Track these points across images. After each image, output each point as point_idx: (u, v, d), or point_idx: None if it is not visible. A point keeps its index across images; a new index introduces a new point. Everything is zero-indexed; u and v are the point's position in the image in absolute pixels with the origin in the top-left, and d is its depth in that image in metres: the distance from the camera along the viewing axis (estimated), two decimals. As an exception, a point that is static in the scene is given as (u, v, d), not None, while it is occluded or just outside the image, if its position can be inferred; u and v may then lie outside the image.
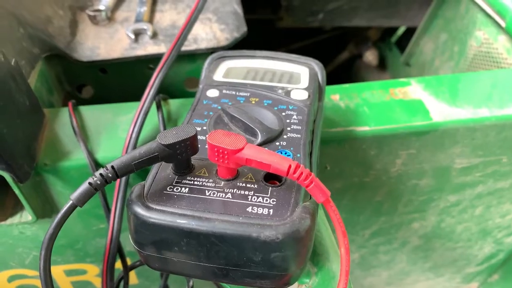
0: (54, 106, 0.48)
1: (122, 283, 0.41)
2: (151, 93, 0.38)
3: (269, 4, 0.85)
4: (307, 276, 0.27)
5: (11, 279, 0.48)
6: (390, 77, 0.96)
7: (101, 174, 0.22)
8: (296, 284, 0.28)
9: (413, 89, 0.43)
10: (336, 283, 0.25)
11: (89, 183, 0.22)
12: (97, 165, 0.36)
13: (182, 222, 0.22)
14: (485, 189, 0.49)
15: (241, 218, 0.22)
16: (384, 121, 0.39)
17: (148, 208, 0.23)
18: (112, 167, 0.22)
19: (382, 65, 0.99)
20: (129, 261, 0.42)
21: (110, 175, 0.22)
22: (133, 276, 0.52)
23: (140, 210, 0.22)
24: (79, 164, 0.36)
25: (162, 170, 0.25)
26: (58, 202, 0.39)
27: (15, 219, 0.39)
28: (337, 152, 0.40)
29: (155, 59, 0.48)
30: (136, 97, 0.40)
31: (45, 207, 0.39)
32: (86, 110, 0.40)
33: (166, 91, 0.43)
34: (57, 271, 0.48)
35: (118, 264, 0.39)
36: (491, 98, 0.42)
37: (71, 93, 0.53)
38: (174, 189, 0.24)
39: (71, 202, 0.21)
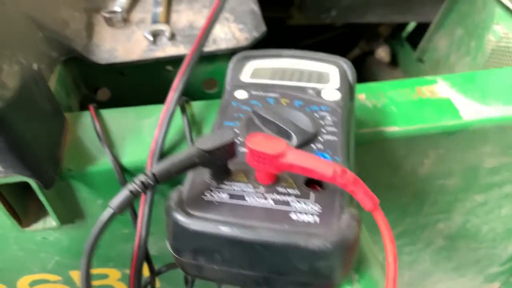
0: (72, 110, 0.47)
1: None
2: (175, 96, 0.37)
3: (279, 1, 0.84)
4: (349, 283, 0.26)
5: (33, 283, 0.47)
6: (402, 73, 0.95)
7: (141, 182, 0.21)
8: (337, 291, 0.27)
9: (440, 87, 0.42)
10: (378, 289, 0.24)
11: (130, 191, 0.21)
12: (122, 170, 0.35)
13: (225, 230, 0.21)
14: (513, 188, 0.48)
15: (286, 226, 0.21)
16: (413, 121, 0.38)
17: (189, 215, 0.22)
18: (153, 174, 0.21)
19: (394, 62, 0.98)
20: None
21: (151, 182, 0.21)
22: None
23: (181, 217, 0.22)
24: (104, 169, 0.35)
25: (199, 175, 0.25)
26: (83, 207, 0.38)
27: (39, 225, 0.39)
28: (364, 154, 0.39)
29: (173, 60, 0.47)
30: (153, 98, 0.39)
31: (69, 213, 0.39)
32: (107, 114, 0.40)
33: (185, 93, 0.42)
34: (78, 275, 0.48)
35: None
36: (521, 95, 0.41)
37: (87, 96, 0.52)
38: (214, 195, 0.23)
39: (112, 211, 0.21)
